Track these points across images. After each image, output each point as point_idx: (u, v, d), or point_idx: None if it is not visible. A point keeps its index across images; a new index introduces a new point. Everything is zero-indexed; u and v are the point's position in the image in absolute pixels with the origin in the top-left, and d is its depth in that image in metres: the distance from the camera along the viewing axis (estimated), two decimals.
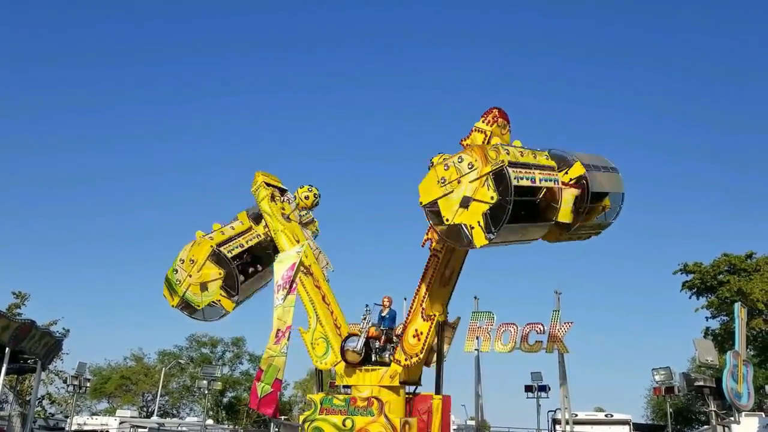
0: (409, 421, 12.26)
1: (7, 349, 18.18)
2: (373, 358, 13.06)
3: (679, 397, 33.77)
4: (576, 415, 26.40)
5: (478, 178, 10.63)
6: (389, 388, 12.48)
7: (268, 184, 15.66)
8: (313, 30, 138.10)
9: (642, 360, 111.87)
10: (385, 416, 11.90)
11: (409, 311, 12.83)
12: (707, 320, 37.15)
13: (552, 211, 11.25)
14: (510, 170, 10.42)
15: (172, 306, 15.82)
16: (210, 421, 43.95)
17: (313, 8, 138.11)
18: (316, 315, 13.93)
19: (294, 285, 14.11)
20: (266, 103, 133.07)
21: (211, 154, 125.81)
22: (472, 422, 30.32)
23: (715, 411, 18.40)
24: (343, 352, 12.97)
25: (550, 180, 11.16)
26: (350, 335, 13.18)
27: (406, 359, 12.50)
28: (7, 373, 19.12)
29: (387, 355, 13.00)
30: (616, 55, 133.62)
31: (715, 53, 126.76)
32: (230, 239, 15.84)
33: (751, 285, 33.52)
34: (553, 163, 11.57)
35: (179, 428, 39.75)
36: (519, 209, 10.89)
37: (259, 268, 16.40)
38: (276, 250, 15.25)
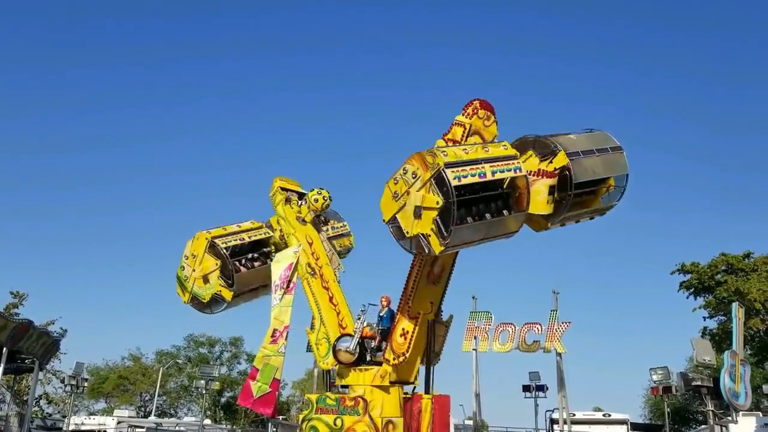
0: (393, 421, 12.24)
1: (4, 348, 18.19)
2: (368, 358, 13.05)
3: (676, 396, 33.82)
4: (574, 415, 26.41)
5: (423, 186, 10.62)
6: (380, 387, 12.48)
7: (284, 189, 15.72)
8: (313, 30, 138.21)
9: (640, 360, 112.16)
10: (369, 416, 11.94)
11: (398, 310, 12.83)
12: (705, 320, 37.30)
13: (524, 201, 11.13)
14: (447, 171, 10.30)
15: (185, 303, 16.19)
16: (207, 421, 43.96)
17: (313, 8, 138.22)
18: (320, 316, 13.95)
19: (291, 285, 14.11)
20: (266, 103, 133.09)
21: (211, 154, 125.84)
22: (470, 422, 30.28)
23: (712, 410, 18.45)
24: (335, 352, 12.96)
25: (509, 170, 10.97)
26: (343, 335, 13.17)
27: (394, 358, 12.51)
28: (4, 373, 19.12)
29: (382, 355, 13.00)
30: (616, 55, 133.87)
31: (715, 53, 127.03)
32: (231, 234, 16.05)
33: (749, 285, 33.58)
34: (513, 152, 11.39)
35: (177, 428, 39.69)
36: (486, 206, 10.85)
37: (269, 263, 16.49)
38: None
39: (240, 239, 16.05)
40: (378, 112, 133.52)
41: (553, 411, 27.44)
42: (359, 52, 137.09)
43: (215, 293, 15.68)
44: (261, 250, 16.45)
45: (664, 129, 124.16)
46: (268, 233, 16.44)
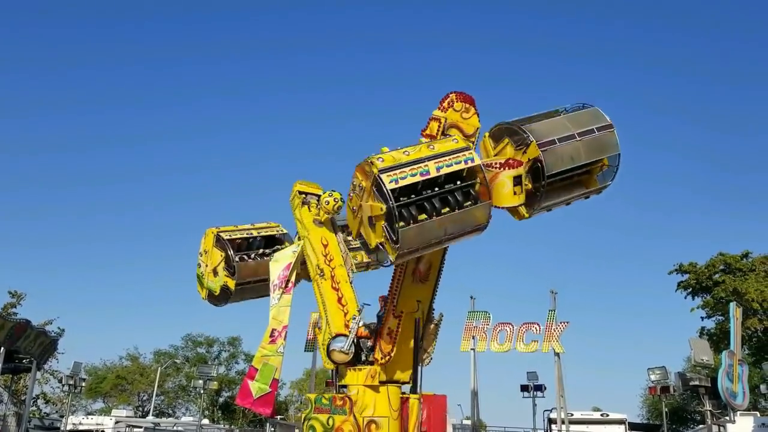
0: (376, 420, 12.24)
1: (2, 348, 18.17)
2: (363, 358, 13.07)
3: (674, 396, 33.84)
4: (572, 415, 26.43)
5: (369, 196, 10.65)
6: (371, 387, 12.51)
7: (302, 192, 15.73)
8: (312, 30, 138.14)
9: (637, 359, 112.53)
10: (353, 416, 11.99)
11: (386, 309, 12.85)
12: (703, 320, 37.27)
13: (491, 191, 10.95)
14: (383, 176, 10.27)
15: (203, 299, 16.55)
16: (206, 421, 43.90)
17: (313, 8, 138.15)
18: (326, 317, 13.96)
19: (290, 284, 14.09)
20: (266, 103, 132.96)
21: (211, 154, 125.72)
22: (468, 422, 30.31)
23: (710, 410, 18.45)
24: (328, 352, 12.97)
25: (458, 162, 10.79)
26: (338, 335, 13.17)
27: (381, 358, 12.53)
28: (2, 373, 19.12)
29: (372, 355, 13.04)
30: (616, 55, 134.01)
31: (715, 53, 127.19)
32: (240, 229, 16.26)
33: (747, 285, 33.59)
34: (464, 144, 11.28)
35: (175, 428, 39.64)
36: (445, 203, 10.71)
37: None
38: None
39: (248, 233, 16.22)
40: (378, 112, 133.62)
41: (551, 411, 27.51)
42: (359, 52, 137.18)
43: (223, 285, 15.87)
44: (275, 247, 16.45)
45: (664, 129, 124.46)
46: (281, 231, 16.57)
